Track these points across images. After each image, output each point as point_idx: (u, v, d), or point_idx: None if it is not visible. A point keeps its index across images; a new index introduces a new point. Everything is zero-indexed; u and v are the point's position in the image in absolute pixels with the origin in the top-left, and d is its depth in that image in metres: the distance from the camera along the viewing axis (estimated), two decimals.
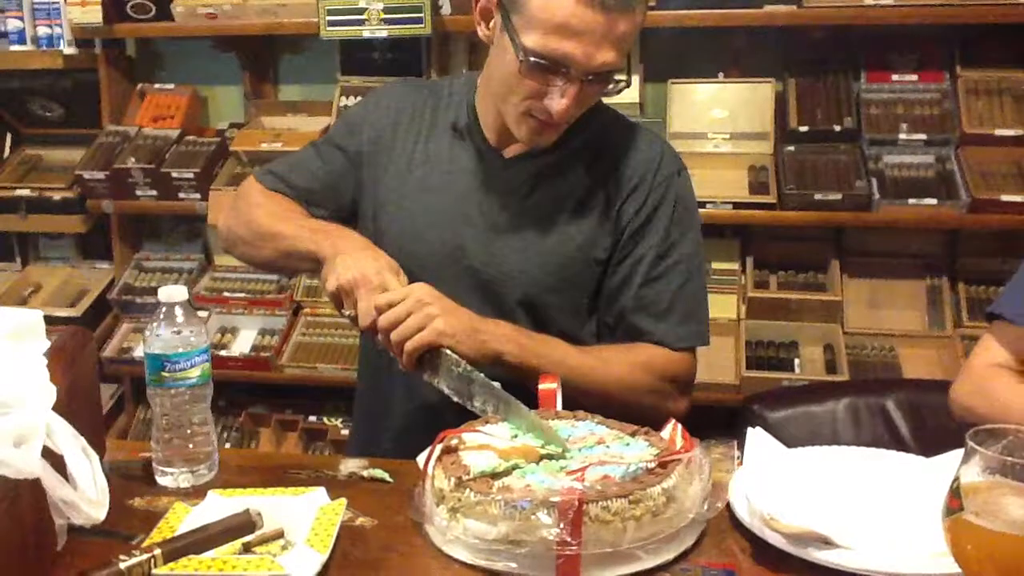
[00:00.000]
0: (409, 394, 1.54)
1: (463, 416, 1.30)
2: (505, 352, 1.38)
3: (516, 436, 1.22)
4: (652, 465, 1.11)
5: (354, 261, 1.39)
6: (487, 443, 1.18)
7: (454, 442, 1.18)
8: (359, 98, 2.87)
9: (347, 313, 1.39)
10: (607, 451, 1.18)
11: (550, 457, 1.16)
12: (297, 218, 1.55)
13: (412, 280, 1.42)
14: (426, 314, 1.33)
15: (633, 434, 1.23)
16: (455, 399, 1.33)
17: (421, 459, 1.18)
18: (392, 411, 1.57)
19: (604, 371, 1.44)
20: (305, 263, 1.50)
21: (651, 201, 1.49)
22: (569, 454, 1.17)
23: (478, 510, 1.06)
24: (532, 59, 1.32)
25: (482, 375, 1.31)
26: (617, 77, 1.38)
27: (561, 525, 1.02)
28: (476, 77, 1.56)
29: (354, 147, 1.59)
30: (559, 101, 1.35)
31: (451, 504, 1.08)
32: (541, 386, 1.35)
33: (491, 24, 1.41)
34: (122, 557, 1.00)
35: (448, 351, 1.33)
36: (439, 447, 1.17)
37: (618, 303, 1.52)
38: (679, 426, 1.20)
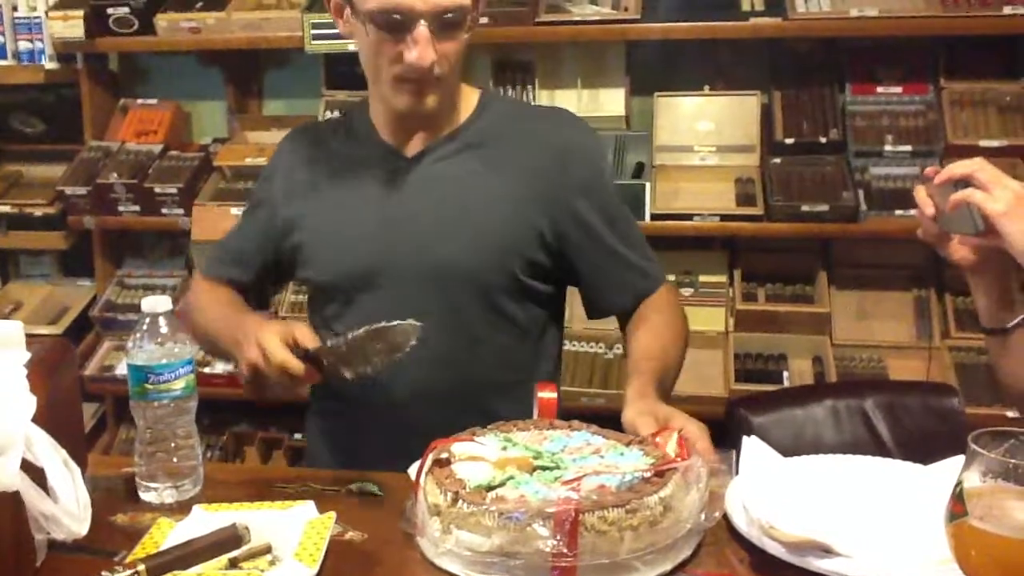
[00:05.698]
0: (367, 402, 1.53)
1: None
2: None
3: (505, 448, 1.19)
4: (648, 474, 1.09)
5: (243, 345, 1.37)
6: (479, 454, 1.16)
7: (444, 455, 1.16)
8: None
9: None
10: (602, 461, 1.16)
11: (544, 468, 1.14)
12: (226, 313, 1.54)
13: (360, 294, 1.52)
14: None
15: (628, 444, 1.21)
16: (363, 374, 1.30)
17: (412, 471, 1.16)
18: (353, 421, 1.58)
19: (676, 345, 1.52)
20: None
21: (580, 173, 1.55)
22: (564, 464, 1.14)
23: (471, 521, 1.04)
24: (375, 19, 1.40)
25: (359, 331, 1.29)
26: (472, 16, 1.44)
27: (557, 536, 1.00)
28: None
29: (269, 192, 1.64)
30: (416, 49, 1.39)
31: (447, 519, 1.06)
32: (541, 394, 1.34)
33: (344, 16, 1.48)
34: (104, 574, 0.98)
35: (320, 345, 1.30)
36: (430, 459, 1.14)
37: (595, 275, 1.58)
38: (675, 434, 1.18)
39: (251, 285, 1.66)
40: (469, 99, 1.58)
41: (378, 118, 1.58)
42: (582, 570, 1.01)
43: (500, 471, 1.11)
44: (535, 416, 1.34)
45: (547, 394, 1.34)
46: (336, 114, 2.95)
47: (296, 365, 1.28)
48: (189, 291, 1.75)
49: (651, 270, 1.60)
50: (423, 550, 1.10)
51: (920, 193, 1.31)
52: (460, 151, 1.55)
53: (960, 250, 1.30)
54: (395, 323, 1.27)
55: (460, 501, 1.05)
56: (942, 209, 1.27)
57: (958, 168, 1.25)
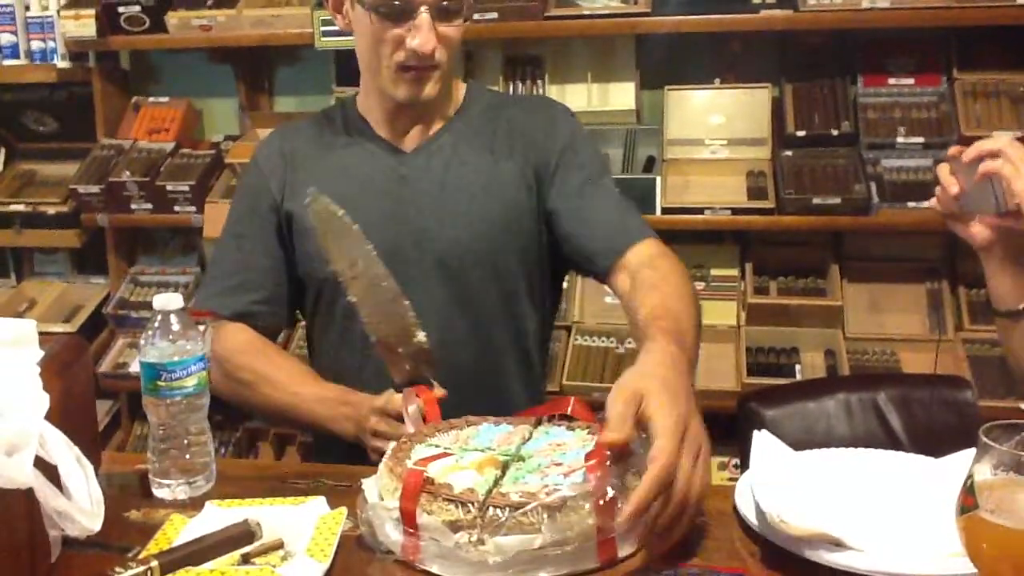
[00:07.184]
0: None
1: None
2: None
3: (463, 455, 1.17)
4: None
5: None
6: (452, 464, 1.13)
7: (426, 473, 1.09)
8: None
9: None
10: (551, 439, 1.20)
11: (518, 459, 1.15)
12: (296, 382, 1.56)
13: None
14: None
15: (536, 425, 1.25)
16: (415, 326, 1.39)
17: (367, 484, 1.14)
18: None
19: (688, 308, 1.39)
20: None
21: (560, 144, 1.59)
22: (527, 453, 1.16)
23: (510, 524, 1.01)
24: (378, 7, 1.45)
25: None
26: (468, 3, 1.50)
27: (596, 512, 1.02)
28: (356, 94, 1.66)
29: (260, 198, 1.62)
30: (420, 35, 1.45)
31: (478, 530, 1.01)
32: (423, 397, 1.35)
33: (343, 10, 1.53)
34: (118, 569, 0.98)
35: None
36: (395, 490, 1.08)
37: (576, 236, 1.56)
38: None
39: (273, 306, 1.64)
40: (458, 92, 1.65)
41: (373, 114, 1.61)
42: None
43: (483, 474, 1.10)
44: (422, 421, 1.31)
45: (427, 396, 1.34)
46: None
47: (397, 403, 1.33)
48: (215, 341, 1.63)
49: (634, 226, 1.56)
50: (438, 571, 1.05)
51: (944, 171, 1.30)
52: (456, 142, 1.60)
53: (977, 228, 1.29)
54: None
55: (491, 508, 1.02)
56: (964, 187, 1.26)
57: (986, 145, 1.24)
